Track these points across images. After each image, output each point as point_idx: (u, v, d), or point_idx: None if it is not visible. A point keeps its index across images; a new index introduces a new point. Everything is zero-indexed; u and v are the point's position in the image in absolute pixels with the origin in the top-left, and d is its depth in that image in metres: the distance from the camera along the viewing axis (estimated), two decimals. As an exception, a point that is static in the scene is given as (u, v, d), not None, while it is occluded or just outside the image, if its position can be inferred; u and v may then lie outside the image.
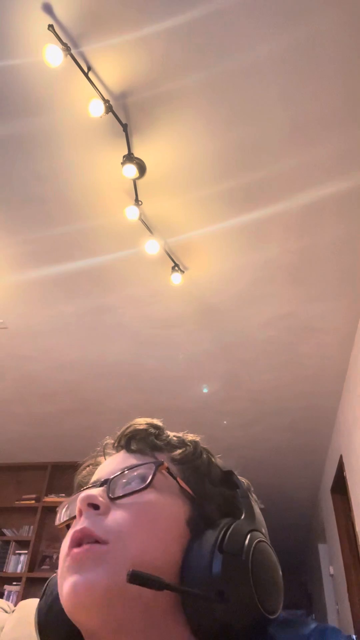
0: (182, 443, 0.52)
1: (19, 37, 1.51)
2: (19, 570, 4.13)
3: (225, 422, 3.73)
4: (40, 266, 2.42)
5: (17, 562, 4.19)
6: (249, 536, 0.43)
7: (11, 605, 2.01)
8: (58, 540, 4.03)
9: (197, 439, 0.54)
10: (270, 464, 4.46)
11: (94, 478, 0.51)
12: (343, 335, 2.80)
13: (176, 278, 2.35)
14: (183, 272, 2.37)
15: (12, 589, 4.06)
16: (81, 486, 0.54)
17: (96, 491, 0.45)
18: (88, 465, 0.55)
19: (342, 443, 3.40)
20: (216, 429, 3.90)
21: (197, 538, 0.43)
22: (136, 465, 0.47)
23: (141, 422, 0.53)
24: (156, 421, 0.54)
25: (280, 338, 2.85)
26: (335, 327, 2.74)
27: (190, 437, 0.54)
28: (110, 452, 0.54)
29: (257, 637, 0.40)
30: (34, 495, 4.44)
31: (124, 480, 0.46)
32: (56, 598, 0.45)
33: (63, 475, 4.55)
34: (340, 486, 3.65)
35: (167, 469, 0.47)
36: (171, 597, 0.41)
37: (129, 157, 1.80)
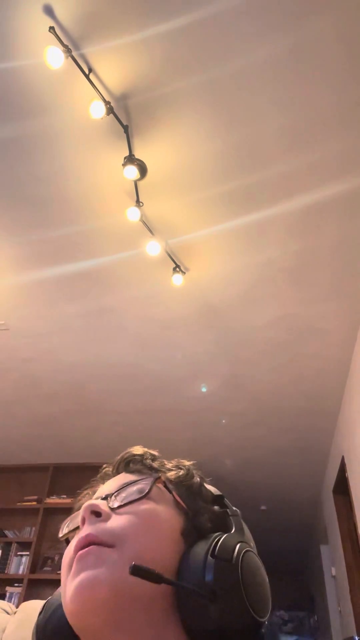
0: (176, 467, 0.56)
1: (20, 39, 1.52)
2: (20, 572, 4.13)
3: (223, 420, 3.73)
4: (42, 267, 2.42)
5: (19, 564, 4.19)
6: (238, 546, 0.46)
7: (13, 606, 2.01)
8: (60, 541, 4.03)
9: (191, 464, 0.58)
10: (271, 465, 4.46)
11: (95, 497, 0.53)
12: (344, 336, 2.80)
13: (177, 279, 2.35)
14: (184, 273, 2.37)
15: (13, 590, 4.06)
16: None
17: (98, 501, 0.48)
18: (87, 493, 0.58)
19: (344, 443, 3.39)
20: (217, 430, 3.89)
21: (191, 547, 0.46)
22: (135, 481, 0.50)
23: (139, 448, 0.58)
24: (152, 451, 0.58)
25: (281, 339, 2.85)
26: (336, 328, 2.73)
27: (184, 462, 0.58)
28: (109, 477, 0.57)
29: (247, 638, 0.43)
30: (35, 497, 4.43)
31: (124, 494, 0.49)
32: (54, 614, 0.49)
33: (65, 477, 4.55)
34: (342, 487, 3.64)
35: (164, 483, 0.50)
36: (168, 598, 0.44)
37: (130, 159, 1.80)
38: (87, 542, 0.44)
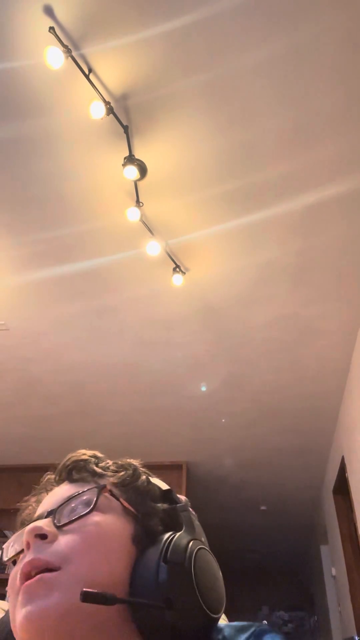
0: (121, 467, 0.54)
1: (20, 39, 1.52)
2: (20, 572, 4.12)
3: (223, 420, 3.73)
4: (42, 267, 2.42)
5: (19, 564, 4.19)
6: (189, 545, 0.46)
7: (13, 607, 2.01)
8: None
9: (137, 462, 0.57)
10: (271, 465, 4.46)
11: (38, 512, 0.52)
12: (344, 336, 2.80)
13: (177, 279, 2.35)
14: (184, 273, 2.37)
15: (13, 590, 4.05)
16: (25, 522, 0.55)
17: (42, 522, 0.46)
18: (30, 504, 0.57)
19: (344, 444, 3.39)
20: (217, 430, 3.89)
21: (143, 553, 0.46)
22: (80, 493, 0.49)
23: (81, 452, 0.56)
24: (95, 452, 0.57)
25: (281, 339, 2.85)
26: (336, 328, 2.74)
27: (130, 461, 0.57)
28: (53, 486, 0.56)
29: (203, 636, 0.43)
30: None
31: (71, 506, 0.48)
32: (8, 635, 0.47)
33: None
34: (342, 487, 3.65)
35: (110, 491, 0.49)
36: (122, 611, 0.43)
37: (130, 159, 1.80)
38: (32, 568, 0.43)
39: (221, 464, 4.36)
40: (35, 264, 2.40)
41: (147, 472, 0.56)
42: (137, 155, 1.83)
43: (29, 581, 0.42)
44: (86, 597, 0.39)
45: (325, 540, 5.12)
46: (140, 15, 1.45)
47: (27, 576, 0.43)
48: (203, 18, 1.45)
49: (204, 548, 0.47)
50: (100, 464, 0.54)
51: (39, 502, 0.56)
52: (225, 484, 4.79)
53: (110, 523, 0.47)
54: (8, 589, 0.46)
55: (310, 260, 2.29)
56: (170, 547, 0.45)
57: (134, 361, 3.14)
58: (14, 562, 0.48)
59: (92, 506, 0.47)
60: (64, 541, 0.44)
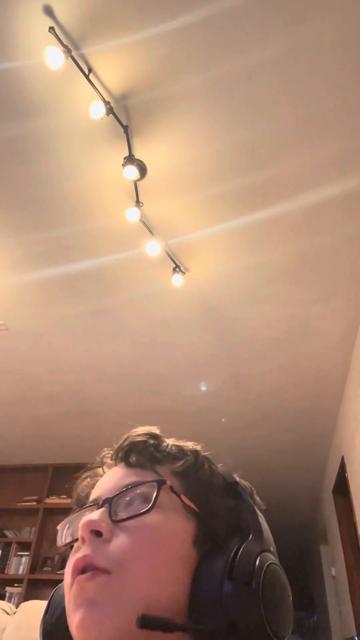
0: (182, 453, 0.50)
1: (20, 39, 1.52)
2: (20, 572, 4.13)
3: (223, 420, 3.73)
4: (42, 267, 2.42)
5: (19, 564, 4.19)
6: (258, 559, 0.42)
7: (13, 607, 2.01)
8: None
9: (198, 447, 0.53)
10: (271, 466, 4.46)
11: (93, 494, 0.50)
12: (344, 336, 2.80)
13: (177, 279, 2.35)
14: (184, 273, 2.37)
15: (13, 590, 4.06)
16: (80, 501, 0.54)
17: (97, 515, 0.44)
18: (86, 477, 0.55)
19: (344, 444, 3.39)
20: (218, 431, 3.89)
21: (205, 561, 0.43)
22: (138, 484, 0.46)
23: (139, 432, 0.52)
24: (154, 429, 0.53)
25: (281, 339, 2.85)
26: (336, 328, 2.74)
27: (190, 445, 0.53)
28: (109, 463, 0.53)
29: None
30: (35, 497, 4.44)
31: (127, 499, 0.45)
32: (62, 612, 0.45)
33: (64, 477, 4.55)
34: (342, 487, 3.64)
35: (170, 487, 0.45)
36: (183, 636, 0.40)
37: (130, 159, 1.80)
38: (86, 565, 0.41)
39: (221, 464, 4.35)
40: (35, 264, 2.40)
41: (209, 459, 0.52)
42: (137, 155, 1.83)
43: (83, 575, 0.41)
44: (143, 623, 0.37)
45: (325, 541, 5.12)
46: (140, 15, 1.45)
47: (80, 570, 0.42)
48: (203, 18, 1.45)
49: (274, 563, 0.43)
50: (160, 447, 0.50)
51: (95, 476, 0.53)
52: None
53: (169, 524, 0.44)
54: (64, 578, 0.45)
55: (311, 260, 2.29)
56: (237, 560, 0.41)
57: (134, 361, 3.14)
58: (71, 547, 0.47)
59: (151, 504, 0.43)
60: (119, 543, 0.42)
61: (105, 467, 0.54)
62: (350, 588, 3.66)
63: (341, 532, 3.85)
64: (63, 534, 0.48)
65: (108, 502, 0.45)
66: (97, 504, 0.46)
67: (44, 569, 4.12)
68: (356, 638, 3.35)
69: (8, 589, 4.07)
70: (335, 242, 2.19)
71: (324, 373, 3.14)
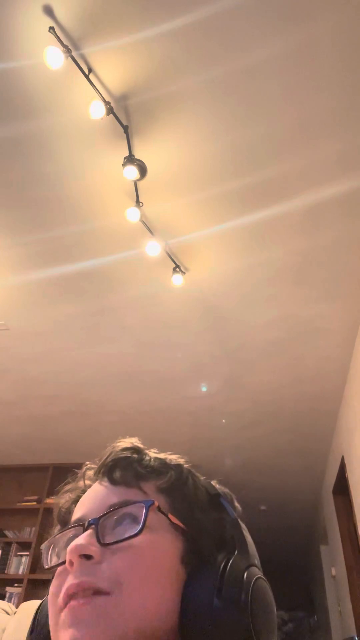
0: (165, 467, 0.50)
1: (20, 39, 1.52)
2: (20, 572, 4.13)
3: (223, 420, 3.73)
4: (42, 268, 2.42)
5: (19, 564, 4.19)
6: (245, 575, 0.43)
7: (13, 607, 2.01)
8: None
9: (181, 460, 0.53)
10: (271, 466, 4.46)
11: (77, 512, 0.49)
12: (345, 336, 2.80)
13: (177, 279, 2.35)
14: (184, 273, 2.37)
15: (13, 590, 4.06)
16: (62, 517, 0.53)
17: (84, 539, 0.43)
18: (67, 492, 0.54)
19: (344, 444, 3.39)
20: (217, 431, 3.89)
21: (193, 579, 0.43)
22: (124, 504, 0.45)
23: (121, 446, 0.52)
24: (136, 442, 0.53)
25: (281, 339, 2.85)
26: (337, 328, 2.73)
27: (173, 458, 0.53)
28: (92, 477, 0.52)
29: None
30: (35, 497, 4.44)
31: (115, 518, 0.45)
32: (48, 634, 0.44)
33: (64, 477, 4.53)
34: (341, 487, 3.64)
35: (158, 507, 0.45)
36: None
37: (130, 159, 1.80)
38: (79, 591, 0.40)
39: (221, 464, 4.36)
40: (35, 264, 2.40)
41: (192, 472, 0.52)
42: (137, 155, 1.83)
43: (76, 602, 0.40)
44: None
45: (325, 541, 5.12)
46: (140, 15, 1.45)
47: (72, 597, 0.41)
48: (203, 18, 1.45)
49: (261, 577, 0.44)
50: (143, 462, 0.50)
51: (75, 491, 0.53)
52: (225, 484, 4.78)
53: (159, 543, 0.44)
54: (48, 600, 0.43)
55: (311, 260, 2.29)
56: (225, 577, 0.42)
57: (134, 361, 3.14)
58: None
59: (140, 526, 0.43)
60: (112, 565, 0.41)
61: (86, 480, 0.53)
62: (350, 588, 3.66)
63: (341, 532, 3.85)
64: (48, 556, 0.47)
65: (94, 523, 0.44)
66: (82, 525, 0.45)
67: (44, 569, 4.12)
68: (356, 638, 3.35)
69: (8, 589, 4.07)
70: (336, 242, 2.19)
71: (324, 373, 3.14)
